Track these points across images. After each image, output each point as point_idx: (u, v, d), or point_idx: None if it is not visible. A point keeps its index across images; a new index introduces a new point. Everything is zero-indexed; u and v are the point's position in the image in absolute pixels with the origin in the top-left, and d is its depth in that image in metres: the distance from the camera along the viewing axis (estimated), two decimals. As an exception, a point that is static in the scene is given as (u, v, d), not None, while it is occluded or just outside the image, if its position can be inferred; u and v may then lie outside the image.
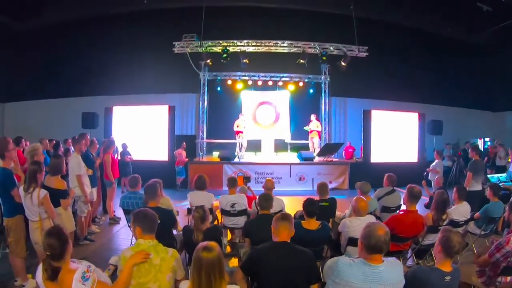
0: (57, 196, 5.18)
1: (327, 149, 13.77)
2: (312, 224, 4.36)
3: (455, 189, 5.96)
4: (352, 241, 4.29)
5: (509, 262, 3.88)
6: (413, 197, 4.90)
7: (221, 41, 14.18)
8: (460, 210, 5.65)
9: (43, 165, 5.03)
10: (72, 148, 7.60)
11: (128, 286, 3.00)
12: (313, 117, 14.88)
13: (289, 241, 3.30)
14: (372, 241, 2.72)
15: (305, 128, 14.83)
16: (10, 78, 15.48)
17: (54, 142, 9.24)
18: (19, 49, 15.37)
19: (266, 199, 4.90)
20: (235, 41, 14.29)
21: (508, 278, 3.90)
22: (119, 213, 8.32)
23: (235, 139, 14.72)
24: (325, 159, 13.67)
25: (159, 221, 4.39)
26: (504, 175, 10.56)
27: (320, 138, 15.54)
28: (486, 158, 13.91)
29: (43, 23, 15.33)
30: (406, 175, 9.92)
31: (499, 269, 3.97)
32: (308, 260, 3.21)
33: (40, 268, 2.82)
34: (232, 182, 6.40)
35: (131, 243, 6.13)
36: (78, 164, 6.70)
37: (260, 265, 3.11)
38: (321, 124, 15.45)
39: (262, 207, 4.82)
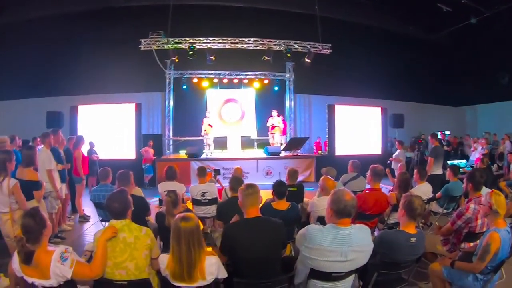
0: (30, 188, 5.09)
1: (293, 144, 14.03)
2: (282, 204, 4.49)
3: (415, 170, 6.31)
4: (322, 220, 4.35)
5: (471, 228, 4.15)
6: (376, 175, 5.11)
7: (187, 38, 14.27)
8: (422, 190, 5.98)
9: (13, 154, 4.95)
10: (41, 144, 7.45)
11: (105, 263, 3.00)
12: (274, 113, 15.14)
13: (259, 214, 3.34)
14: (341, 206, 2.86)
15: (268, 124, 15.12)
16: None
17: (21, 140, 9.06)
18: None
19: (237, 181, 5.01)
20: (201, 38, 14.40)
21: (471, 244, 4.13)
22: (89, 211, 8.29)
23: (202, 136, 14.80)
24: (291, 154, 13.93)
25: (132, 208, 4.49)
26: (464, 161, 11.15)
27: (285, 133, 15.84)
28: (450, 148, 14.73)
29: (3, 21, 14.77)
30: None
31: (461, 236, 4.24)
32: (280, 228, 3.28)
33: (16, 252, 2.80)
34: (202, 172, 6.48)
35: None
36: (49, 158, 6.49)
37: (235, 241, 3.12)
38: (283, 120, 15.72)
39: (234, 189, 4.94)
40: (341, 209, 2.88)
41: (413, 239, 3.21)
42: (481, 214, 3.96)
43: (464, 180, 4.73)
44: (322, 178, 5.11)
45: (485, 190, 4.80)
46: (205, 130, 14.46)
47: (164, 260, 2.83)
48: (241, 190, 3.37)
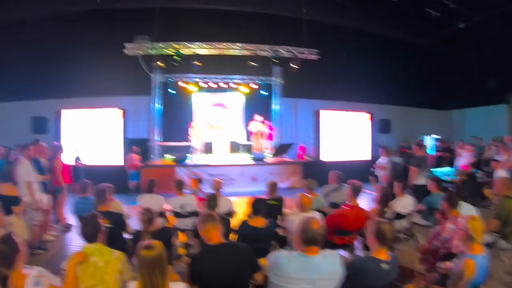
0: (9, 203, 5.08)
1: (281, 149, 14.04)
2: (259, 221, 4.49)
3: (396, 183, 6.30)
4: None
5: (448, 248, 4.17)
6: (355, 192, 5.14)
7: (173, 43, 14.16)
8: (403, 203, 5.97)
9: None
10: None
11: (76, 287, 3.02)
12: (258, 117, 15.09)
13: (222, 239, 3.31)
14: (309, 235, 2.92)
15: (252, 129, 15.13)
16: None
17: (4, 149, 8.93)
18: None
19: (211, 198, 5.05)
20: (187, 43, 14.30)
21: (448, 263, 4.13)
22: (71, 220, 8.17)
23: (188, 142, 14.72)
24: (277, 159, 13.93)
25: (110, 226, 4.46)
26: (449, 168, 11.12)
27: (271, 138, 15.80)
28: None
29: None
30: (360, 172, 10.32)
31: (438, 255, 4.27)
32: (246, 254, 3.25)
33: None
34: (179, 184, 6.46)
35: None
36: (28, 170, 6.42)
37: (202, 271, 3.08)
38: (267, 125, 15.68)
39: (210, 206, 4.97)
40: (309, 238, 2.94)
41: (385, 266, 3.20)
42: (457, 237, 3.97)
43: (442, 202, 4.77)
44: (298, 194, 5.10)
45: (463, 206, 4.85)
46: (188, 136, 14.36)
47: (132, 287, 2.79)
48: (199, 223, 3.36)
